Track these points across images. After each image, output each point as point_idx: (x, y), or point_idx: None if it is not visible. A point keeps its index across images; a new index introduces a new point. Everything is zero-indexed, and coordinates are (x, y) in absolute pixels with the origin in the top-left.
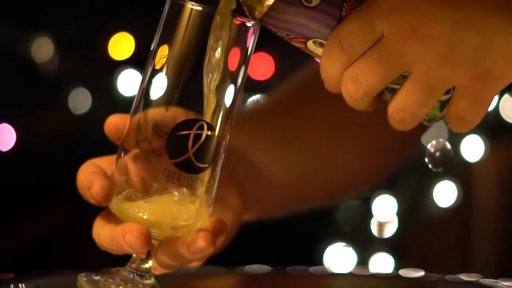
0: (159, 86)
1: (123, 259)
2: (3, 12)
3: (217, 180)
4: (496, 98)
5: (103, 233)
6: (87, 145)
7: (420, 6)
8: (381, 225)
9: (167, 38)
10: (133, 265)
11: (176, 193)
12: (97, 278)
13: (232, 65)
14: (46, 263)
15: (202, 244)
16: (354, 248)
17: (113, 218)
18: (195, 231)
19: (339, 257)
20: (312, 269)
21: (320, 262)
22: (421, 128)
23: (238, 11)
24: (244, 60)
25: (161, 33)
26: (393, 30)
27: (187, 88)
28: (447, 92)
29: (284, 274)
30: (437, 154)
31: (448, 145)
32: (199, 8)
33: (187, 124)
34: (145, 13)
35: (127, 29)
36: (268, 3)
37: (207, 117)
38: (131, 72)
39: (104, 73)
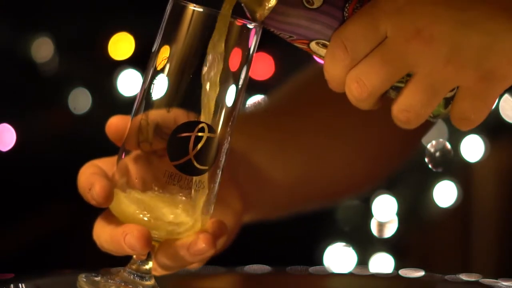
0: (161, 87)
1: (123, 260)
2: (3, 12)
3: (217, 182)
4: None
5: (103, 234)
6: (87, 145)
7: (423, 7)
8: (381, 225)
9: (169, 39)
10: (133, 266)
11: (176, 194)
12: (97, 279)
13: (234, 66)
14: (46, 263)
15: (202, 246)
16: (354, 248)
17: (114, 219)
18: (196, 233)
19: (339, 257)
20: (312, 269)
21: (320, 262)
22: (423, 129)
23: (240, 13)
24: (246, 61)
25: (163, 34)
26: (396, 31)
27: (188, 89)
28: (451, 89)
29: (284, 274)
30: (437, 154)
31: (448, 145)
32: (201, 10)
33: (189, 126)
34: (145, 13)
35: (127, 29)
36: (269, 5)
37: (208, 119)
38: (131, 72)
39: (104, 73)
